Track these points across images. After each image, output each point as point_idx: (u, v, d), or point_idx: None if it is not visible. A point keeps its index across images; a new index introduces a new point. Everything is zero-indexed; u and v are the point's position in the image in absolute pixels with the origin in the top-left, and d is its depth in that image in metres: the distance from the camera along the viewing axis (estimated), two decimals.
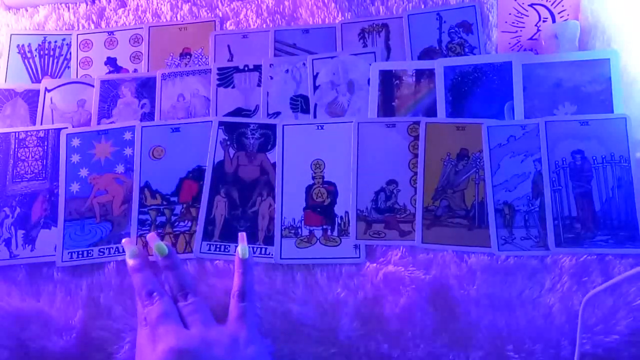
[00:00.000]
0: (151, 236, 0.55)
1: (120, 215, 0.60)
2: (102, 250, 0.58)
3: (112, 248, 0.58)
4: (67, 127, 0.64)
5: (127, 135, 0.63)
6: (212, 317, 0.50)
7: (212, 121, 0.63)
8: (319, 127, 0.61)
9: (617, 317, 0.51)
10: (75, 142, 0.63)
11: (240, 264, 0.52)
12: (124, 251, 0.56)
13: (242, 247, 0.53)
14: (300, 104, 0.64)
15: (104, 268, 0.58)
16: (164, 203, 0.60)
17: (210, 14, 0.71)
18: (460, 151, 0.58)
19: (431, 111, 0.61)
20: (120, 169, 0.62)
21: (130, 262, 0.52)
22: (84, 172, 0.62)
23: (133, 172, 0.61)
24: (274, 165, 0.60)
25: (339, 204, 0.58)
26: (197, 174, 0.61)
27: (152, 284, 0.50)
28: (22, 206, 0.61)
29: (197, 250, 0.57)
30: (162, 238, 0.58)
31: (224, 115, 0.64)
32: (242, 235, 0.54)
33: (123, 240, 0.55)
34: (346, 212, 0.58)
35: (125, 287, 0.56)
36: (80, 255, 0.58)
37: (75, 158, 0.63)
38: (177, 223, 0.59)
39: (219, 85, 0.65)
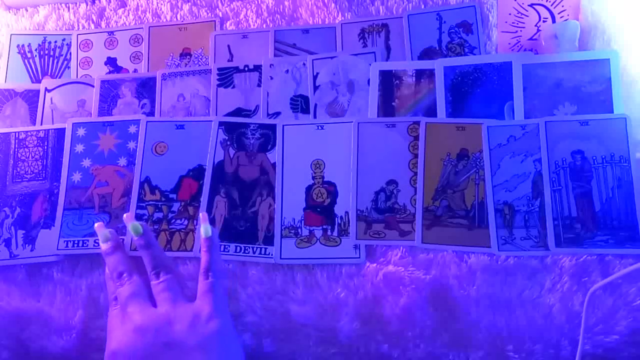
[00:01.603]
0: (127, 216, 0.54)
1: (119, 208, 0.60)
2: (97, 241, 0.58)
3: None
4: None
5: (132, 129, 0.63)
6: (183, 294, 0.50)
7: (213, 121, 0.63)
8: (319, 127, 0.61)
9: (617, 317, 0.51)
10: (81, 131, 0.63)
11: (204, 242, 0.52)
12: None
13: (204, 227, 0.53)
14: (300, 104, 0.64)
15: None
16: (163, 199, 0.60)
17: (210, 14, 0.71)
18: (460, 151, 0.58)
19: (431, 111, 0.61)
20: (122, 161, 0.62)
21: (104, 245, 0.53)
22: (86, 163, 0.62)
23: (135, 165, 0.61)
24: (274, 165, 0.60)
25: (339, 204, 0.58)
26: (197, 172, 0.61)
27: (123, 265, 0.51)
28: (22, 206, 0.61)
29: (197, 249, 0.57)
30: (157, 235, 0.58)
31: (224, 116, 0.64)
32: (204, 215, 0.54)
33: (95, 225, 0.54)
34: (346, 212, 0.58)
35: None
36: (75, 245, 0.59)
37: (79, 148, 0.63)
38: (173, 220, 0.59)
39: (219, 86, 0.65)
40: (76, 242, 0.59)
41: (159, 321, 0.47)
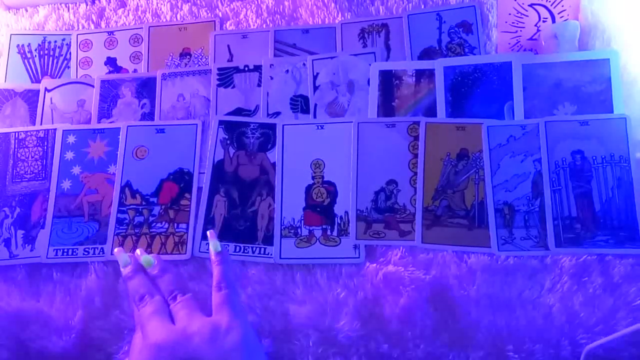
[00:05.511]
0: (139, 251, 0.54)
1: (109, 216, 0.60)
2: (87, 249, 0.58)
3: (97, 248, 0.58)
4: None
5: None
6: (199, 311, 0.49)
7: (196, 124, 0.63)
8: (319, 127, 0.61)
9: (617, 317, 0.51)
10: (71, 139, 0.63)
11: (215, 256, 0.52)
12: (108, 252, 0.57)
13: (213, 243, 0.52)
14: (300, 104, 0.64)
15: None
16: (143, 203, 0.60)
17: (210, 14, 0.71)
18: (460, 151, 0.58)
19: (431, 111, 0.61)
20: (112, 169, 0.62)
21: (124, 270, 0.52)
22: (76, 170, 0.62)
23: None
24: (273, 164, 0.60)
25: (339, 204, 0.58)
26: (178, 176, 0.61)
27: (144, 288, 0.50)
28: (22, 206, 0.61)
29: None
30: (138, 238, 0.58)
31: (224, 115, 0.64)
32: (211, 233, 0.54)
33: (115, 250, 0.53)
34: (346, 212, 0.58)
35: (124, 288, 0.56)
36: (65, 253, 0.58)
37: (69, 155, 0.63)
38: (154, 224, 0.59)
39: (219, 86, 0.65)
40: (66, 250, 0.59)
41: (176, 337, 0.46)
